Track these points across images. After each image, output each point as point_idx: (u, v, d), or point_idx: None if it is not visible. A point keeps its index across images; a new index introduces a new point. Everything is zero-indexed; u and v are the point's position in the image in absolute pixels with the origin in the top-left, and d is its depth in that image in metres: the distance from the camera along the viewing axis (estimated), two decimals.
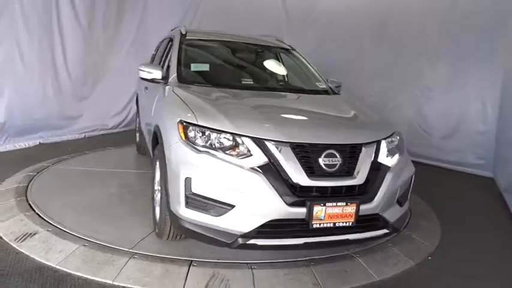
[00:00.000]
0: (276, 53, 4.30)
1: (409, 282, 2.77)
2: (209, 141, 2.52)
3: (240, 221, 2.43)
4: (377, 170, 2.65)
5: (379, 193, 2.60)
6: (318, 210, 2.43)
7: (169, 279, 2.50)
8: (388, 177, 2.67)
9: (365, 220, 2.62)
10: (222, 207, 2.44)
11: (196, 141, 2.52)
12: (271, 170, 2.42)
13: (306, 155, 2.50)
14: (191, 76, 3.56)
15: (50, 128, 5.90)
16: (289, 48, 4.29)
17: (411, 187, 3.00)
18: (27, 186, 3.82)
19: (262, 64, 4.20)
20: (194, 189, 2.45)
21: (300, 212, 2.43)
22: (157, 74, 3.37)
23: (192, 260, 2.69)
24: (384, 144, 2.77)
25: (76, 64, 6.18)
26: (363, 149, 2.63)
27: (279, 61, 4.24)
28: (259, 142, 2.47)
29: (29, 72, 5.50)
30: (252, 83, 3.80)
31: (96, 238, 2.87)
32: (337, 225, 2.51)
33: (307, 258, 2.84)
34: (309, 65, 4.10)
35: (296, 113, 3.12)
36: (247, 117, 2.68)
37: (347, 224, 2.53)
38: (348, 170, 2.57)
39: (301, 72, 4.10)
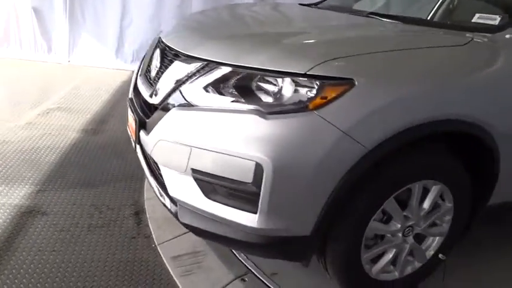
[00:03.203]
0: None
1: None
2: None
3: None
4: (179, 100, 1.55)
5: (154, 131, 1.59)
6: (129, 115, 1.92)
7: None
8: (168, 119, 1.53)
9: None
10: None
11: None
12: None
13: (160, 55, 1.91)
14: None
15: None
16: None
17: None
18: None
19: None
20: None
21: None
22: None
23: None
24: (219, 71, 1.46)
25: None
26: (177, 61, 1.64)
27: None
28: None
29: None
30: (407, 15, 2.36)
31: None
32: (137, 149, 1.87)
33: None
34: None
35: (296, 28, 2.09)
36: (213, 28, 2.15)
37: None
38: (156, 82, 1.74)
39: None
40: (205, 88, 1.46)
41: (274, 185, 1.30)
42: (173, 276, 1.90)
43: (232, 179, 1.37)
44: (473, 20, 1.91)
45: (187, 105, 1.48)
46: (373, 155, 1.34)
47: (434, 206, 1.66)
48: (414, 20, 2.13)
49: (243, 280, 1.84)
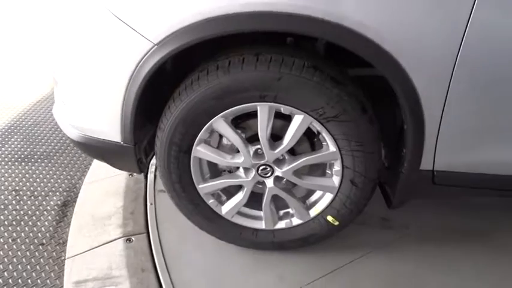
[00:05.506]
0: None
1: None
2: None
3: None
4: None
5: None
6: None
7: None
8: None
9: None
10: None
11: None
12: None
13: None
14: None
15: None
16: None
17: None
18: None
19: None
20: None
21: None
22: None
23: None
24: None
25: None
26: None
27: None
28: None
29: None
30: None
31: None
32: None
33: None
34: None
35: None
36: None
37: None
38: None
39: None
40: None
41: (69, 76, 1.23)
42: None
43: None
44: None
45: None
46: (164, 53, 1.04)
47: (312, 148, 1.31)
48: None
49: None
